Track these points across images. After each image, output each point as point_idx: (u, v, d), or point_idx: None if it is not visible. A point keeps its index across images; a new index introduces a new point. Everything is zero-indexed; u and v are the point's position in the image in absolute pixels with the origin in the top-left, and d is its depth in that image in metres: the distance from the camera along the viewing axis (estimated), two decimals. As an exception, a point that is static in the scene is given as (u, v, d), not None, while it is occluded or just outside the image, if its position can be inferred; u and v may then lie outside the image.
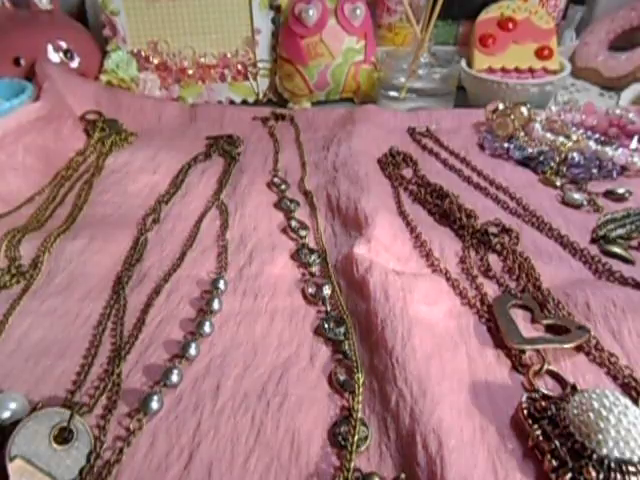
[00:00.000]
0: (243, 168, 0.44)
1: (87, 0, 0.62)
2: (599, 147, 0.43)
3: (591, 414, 0.20)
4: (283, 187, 0.41)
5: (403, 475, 0.21)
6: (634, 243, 0.34)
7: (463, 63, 0.57)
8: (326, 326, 0.27)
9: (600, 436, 0.20)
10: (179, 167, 0.44)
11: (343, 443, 0.22)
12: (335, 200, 0.39)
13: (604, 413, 0.20)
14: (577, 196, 0.38)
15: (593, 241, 0.34)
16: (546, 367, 0.25)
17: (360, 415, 0.23)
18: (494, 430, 0.23)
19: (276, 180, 0.42)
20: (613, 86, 0.62)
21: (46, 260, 0.33)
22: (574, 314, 0.28)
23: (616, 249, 0.33)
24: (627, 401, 0.21)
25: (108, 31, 0.56)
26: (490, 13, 0.57)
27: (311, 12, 0.55)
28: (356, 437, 0.22)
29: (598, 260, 0.32)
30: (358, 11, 0.57)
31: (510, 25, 0.56)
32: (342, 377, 0.25)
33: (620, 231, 0.34)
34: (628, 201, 0.39)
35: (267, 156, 0.46)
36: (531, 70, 0.55)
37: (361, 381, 0.24)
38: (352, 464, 0.21)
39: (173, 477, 0.21)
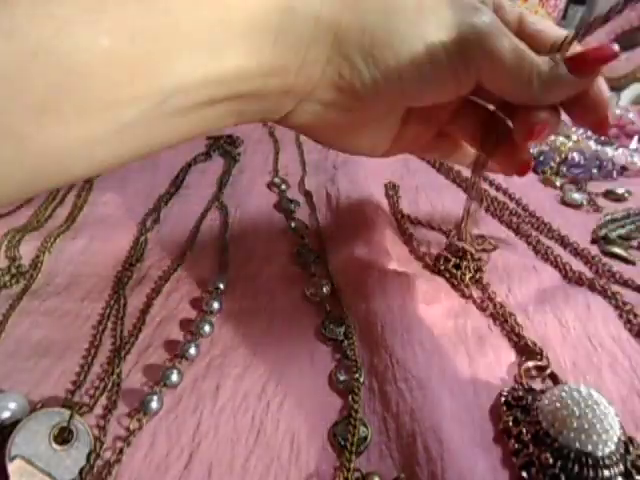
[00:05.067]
0: (243, 168, 0.44)
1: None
2: (599, 147, 0.43)
3: (558, 404, 0.21)
4: (283, 187, 0.41)
5: (403, 475, 0.21)
6: (634, 243, 0.34)
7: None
8: (326, 326, 0.27)
9: (563, 426, 0.20)
10: (179, 167, 0.44)
11: (343, 443, 0.22)
12: (335, 200, 0.39)
13: (571, 405, 0.21)
14: (577, 196, 0.38)
15: (593, 241, 0.34)
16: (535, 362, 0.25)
17: (360, 415, 0.23)
18: (494, 430, 0.23)
19: (276, 180, 0.42)
20: (613, 86, 0.62)
21: (46, 260, 0.33)
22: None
23: (616, 249, 0.33)
24: (600, 398, 0.21)
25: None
26: (490, 13, 0.57)
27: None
28: (356, 437, 0.22)
29: (599, 260, 0.32)
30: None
31: (510, 25, 0.56)
32: (342, 377, 0.25)
33: (620, 231, 0.34)
34: (628, 201, 0.39)
35: (267, 156, 0.46)
36: (531, 70, 0.55)
37: (361, 381, 0.24)
38: (352, 464, 0.21)
39: (173, 477, 0.21)
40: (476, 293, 0.30)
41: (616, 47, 0.22)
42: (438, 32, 0.21)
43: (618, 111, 0.47)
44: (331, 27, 0.21)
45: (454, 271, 0.31)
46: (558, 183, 0.41)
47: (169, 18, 0.18)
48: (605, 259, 0.32)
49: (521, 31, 0.23)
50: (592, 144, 0.43)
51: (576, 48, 0.23)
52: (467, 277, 0.30)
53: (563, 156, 0.43)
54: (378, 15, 0.21)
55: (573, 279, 0.31)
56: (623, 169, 0.42)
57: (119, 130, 0.18)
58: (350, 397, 0.24)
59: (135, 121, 0.19)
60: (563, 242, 0.34)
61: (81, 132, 0.18)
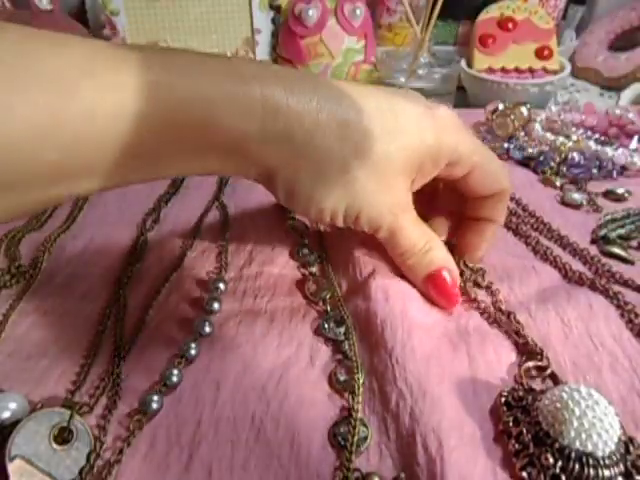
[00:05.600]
0: (243, 168, 0.44)
1: (87, 0, 0.62)
2: (599, 147, 0.43)
3: (558, 404, 0.21)
4: (283, 187, 0.41)
5: (403, 475, 0.21)
6: (634, 243, 0.34)
7: (463, 63, 0.57)
8: (326, 326, 0.27)
9: (563, 426, 0.20)
10: (179, 167, 0.44)
11: (343, 443, 0.22)
12: (335, 200, 0.39)
13: (571, 405, 0.21)
14: (577, 196, 0.38)
15: (593, 241, 0.34)
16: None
17: (360, 415, 0.23)
18: (494, 430, 0.23)
19: (276, 180, 0.42)
20: (613, 86, 0.62)
21: (46, 260, 0.33)
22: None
23: (616, 249, 0.33)
24: (600, 398, 0.21)
25: (108, 31, 0.56)
26: (490, 13, 0.57)
27: (311, 12, 0.56)
28: (356, 437, 0.22)
29: (598, 260, 0.32)
30: (358, 11, 0.58)
31: (510, 25, 0.56)
32: (342, 377, 0.25)
33: (620, 231, 0.34)
34: (628, 201, 0.39)
35: (267, 156, 0.46)
36: (531, 70, 0.55)
37: (361, 381, 0.24)
38: (352, 464, 0.21)
39: (173, 477, 0.21)
40: (477, 293, 0.30)
41: (458, 301, 0.28)
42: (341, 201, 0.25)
43: (618, 111, 0.47)
44: (268, 171, 0.24)
45: None
46: (558, 183, 0.41)
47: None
48: (605, 259, 0.32)
49: (466, 179, 0.28)
50: (592, 144, 0.43)
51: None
52: (468, 277, 0.30)
53: (563, 156, 0.43)
54: (307, 175, 0.24)
55: (573, 279, 0.31)
56: (623, 169, 0.42)
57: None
58: (350, 397, 0.24)
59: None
60: (563, 242, 0.34)
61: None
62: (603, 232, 0.34)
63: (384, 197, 0.25)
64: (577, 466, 0.20)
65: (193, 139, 0.20)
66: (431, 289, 0.28)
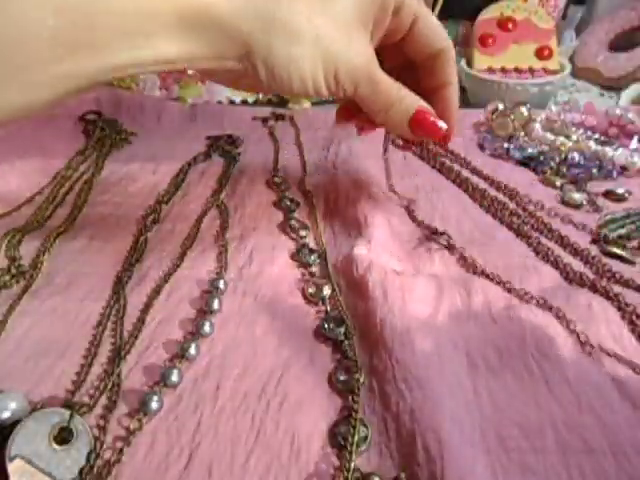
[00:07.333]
0: (243, 168, 0.44)
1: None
2: (599, 147, 0.43)
3: None
4: (283, 187, 0.41)
5: (403, 475, 0.21)
6: (634, 243, 0.34)
7: (463, 63, 0.57)
8: (326, 326, 0.27)
9: None
10: (179, 167, 0.44)
11: (343, 443, 0.22)
12: (335, 200, 0.39)
13: None
14: (577, 196, 0.38)
15: (593, 241, 0.34)
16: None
17: (360, 415, 0.23)
18: (494, 430, 0.23)
19: (276, 180, 0.42)
20: (613, 86, 0.62)
21: (46, 260, 0.33)
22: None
23: (616, 249, 0.33)
24: None
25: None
26: (490, 13, 0.57)
27: (311, 12, 0.55)
28: (356, 437, 0.22)
29: (599, 261, 0.32)
30: (358, 11, 0.57)
31: (510, 25, 0.56)
32: (342, 377, 0.25)
33: (620, 231, 0.34)
34: (628, 201, 0.39)
35: (267, 156, 0.46)
36: (531, 70, 0.55)
37: (361, 381, 0.24)
38: (352, 464, 0.21)
39: (173, 477, 0.21)
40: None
41: (444, 128, 0.30)
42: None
43: (618, 111, 0.47)
44: (246, 47, 0.25)
45: None
46: (558, 183, 0.41)
47: (107, 5, 0.21)
48: (605, 259, 0.32)
49: (412, 32, 0.29)
50: (592, 144, 0.43)
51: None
52: None
53: (563, 156, 0.43)
54: (280, 41, 0.25)
55: (574, 280, 0.31)
56: (623, 169, 0.42)
57: (56, 100, 0.21)
58: (350, 397, 0.24)
59: (72, 93, 0.22)
60: (563, 242, 0.34)
61: (19, 100, 0.20)
62: (603, 232, 0.34)
63: (354, 49, 0.27)
64: None
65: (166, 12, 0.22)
66: (418, 130, 0.29)
